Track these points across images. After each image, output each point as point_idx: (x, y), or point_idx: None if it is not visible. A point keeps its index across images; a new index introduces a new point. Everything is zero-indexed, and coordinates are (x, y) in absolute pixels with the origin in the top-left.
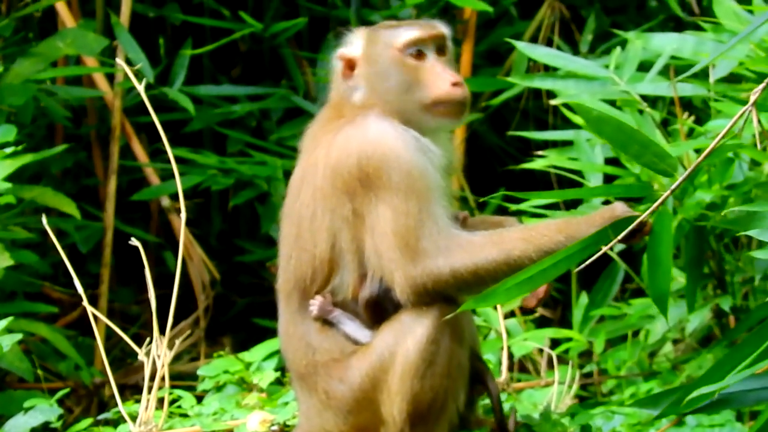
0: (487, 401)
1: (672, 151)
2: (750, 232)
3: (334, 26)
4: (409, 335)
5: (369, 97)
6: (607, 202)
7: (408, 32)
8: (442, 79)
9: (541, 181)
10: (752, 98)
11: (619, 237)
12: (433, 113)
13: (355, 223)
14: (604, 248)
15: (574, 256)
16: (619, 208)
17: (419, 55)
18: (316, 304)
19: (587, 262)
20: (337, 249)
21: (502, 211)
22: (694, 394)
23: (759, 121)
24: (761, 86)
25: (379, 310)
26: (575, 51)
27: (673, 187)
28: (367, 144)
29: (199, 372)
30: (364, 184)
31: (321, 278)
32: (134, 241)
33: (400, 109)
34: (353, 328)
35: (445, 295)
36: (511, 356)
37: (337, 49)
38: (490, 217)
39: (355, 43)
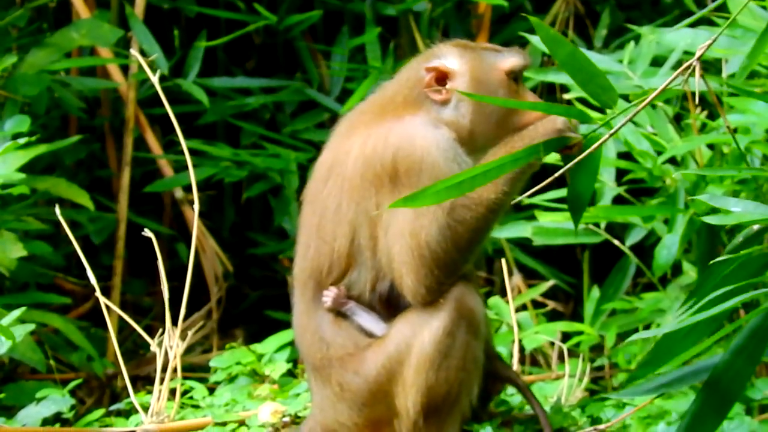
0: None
1: (684, 146)
2: (704, 197)
3: (349, 19)
4: (425, 328)
5: (464, 114)
6: None
7: (514, 58)
8: (534, 114)
9: (552, 175)
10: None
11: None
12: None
13: (374, 219)
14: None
15: (505, 166)
16: (559, 122)
17: (515, 81)
18: (330, 295)
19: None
20: (356, 244)
21: (514, 205)
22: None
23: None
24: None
25: (393, 303)
26: (589, 46)
27: (607, 120)
28: (408, 141)
29: (212, 363)
30: (393, 179)
31: (337, 272)
32: (147, 232)
33: (483, 134)
34: (368, 320)
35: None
36: (522, 349)
37: (427, 61)
38: None
39: (448, 58)
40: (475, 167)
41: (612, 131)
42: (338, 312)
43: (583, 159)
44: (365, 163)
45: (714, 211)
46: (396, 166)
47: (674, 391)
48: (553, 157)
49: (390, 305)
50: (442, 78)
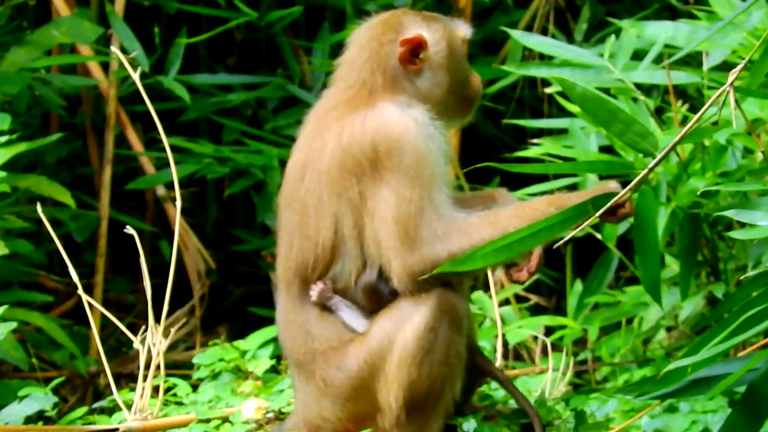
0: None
1: (665, 139)
2: (729, 213)
3: (330, 15)
4: (407, 323)
5: (441, 83)
6: None
7: (465, 25)
8: (477, 76)
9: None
10: (730, 79)
11: (599, 213)
12: (468, 108)
13: (359, 207)
14: (584, 223)
15: (555, 227)
16: (612, 185)
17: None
18: (315, 289)
19: (566, 239)
20: (339, 235)
21: None
22: (669, 367)
23: (737, 102)
24: (739, 67)
25: (377, 296)
26: (570, 40)
27: (650, 166)
28: (385, 124)
29: (195, 360)
30: (374, 164)
31: (322, 265)
32: (129, 229)
33: (449, 102)
34: (350, 315)
35: (444, 280)
36: (505, 344)
37: (391, 35)
38: (481, 192)
39: (418, 29)
40: (523, 229)
41: (648, 168)
42: (324, 306)
43: (640, 230)
44: (343, 153)
45: (697, 204)
46: (376, 149)
47: (688, 398)
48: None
49: (375, 297)
50: (415, 49)
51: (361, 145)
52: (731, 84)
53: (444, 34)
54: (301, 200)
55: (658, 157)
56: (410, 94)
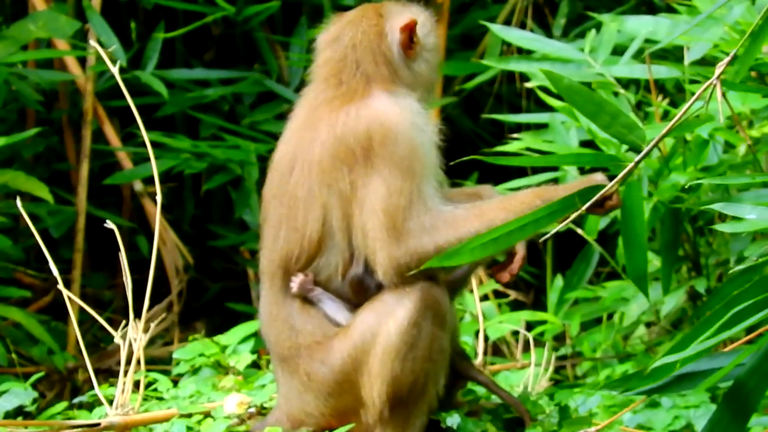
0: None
1: (649, 133)
2: (716, 206)
3: (307, 10)
4: (390, 318)
5: (431, 64)
6: None
7: (428, 11)
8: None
9: (514, 168)
10: (717, 71)
11: (587, 205)
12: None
13: (349, 198)
14: (571, 215)
15: (541, 220)
16: (598, 177)
17: None
18: (296, 281)
19: (553, 232)
20: (327, 227)
21: None
22: (656, 363)
23: (724, 95)
24: (726, 60)
25: (363, 289)
26: (548, 35)
27: (638, 158)
28: (380, 113)
29: (175, 355)
30: (367, 153)
31: (306, 257)
32: (109, 224)
33: (431, 85)
34: (333, 308)
35: (428, 274)
36: (486, 339)
37: (381, 23)
38: (466, 188)
39: (407, 14)
40: (510, 222)
41: (637, 159)
42: (305, 299)
43: (627, 222)
44: (336, 143)
45: (678, 199)
46: (370, 137)
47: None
48: None
49: (360, 292)
50: (411, 34)
51: (355, 133)
52: (718, 77)
53: (425, 16)
54: (290, 193)
55: (647, 148)
56: (406, 83)
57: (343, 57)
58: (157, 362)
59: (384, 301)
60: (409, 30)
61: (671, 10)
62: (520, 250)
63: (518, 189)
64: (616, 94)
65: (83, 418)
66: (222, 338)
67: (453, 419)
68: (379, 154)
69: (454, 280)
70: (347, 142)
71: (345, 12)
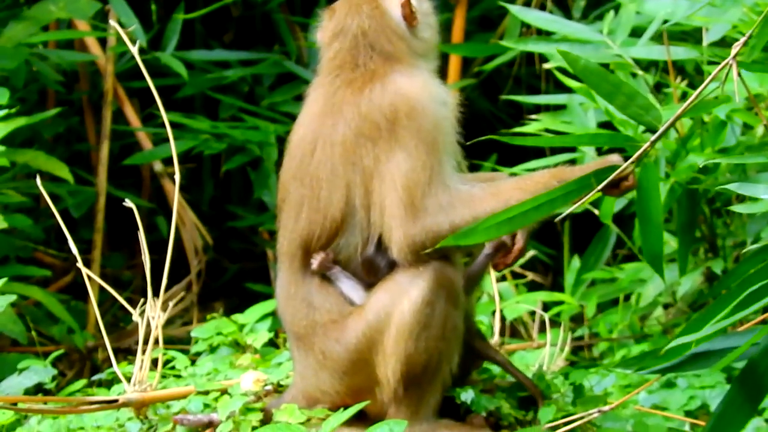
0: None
1: (666, 114)
2: (732, 186)
3: None
4: (404, 297)
5: (434, 28)
6: None
7: None
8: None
9: (532, 149)
10: (733, 51)
11: (602, 185)
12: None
13: (372, 173)
14: (587, 196)
15: (557, 200)
16: (614, 158)
17: None
18: (318, 258)
19: (568, 211)
20: (350, 206)
21: None
22: (672, 344)
23: (739, 74)
24: (742, 40)
25: (374, 269)
26: (568, 17)
27: (653, 138)
28: (405, 88)
29: (193, 334)
30: (392, 125)
31: (326, 237)
32: (128, 202)
33: (436, 50)
34: (349, 287)
35: (443, 253)
36: (503, 319)
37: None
38: (482, 174)
39: None
40: (526, 202)
41: (652, 140)
42: (323, 276)
43: (643, 203)
44: (361, 120)
45: (695, 180)
46: (396, 109)
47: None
48: None
49: (371, 271)
50: (409, 4)
51: (380, 107)
52: (734, 57)
53: None
54: (311, 173)
55: (662, 128)
56: (420, 53)
57: (355, 45)
58: (176, 342)
59: (398, 281)
60: (408, 1)
61: None
62: (520, 240)
63: (535, 170)
64: (634, 75)
65: (102, 395)
66: (240, 317)
67: (467, 394)
68: (406, 126)
69: (471, 274)
70: (372, 117)
71: (331, 6)
